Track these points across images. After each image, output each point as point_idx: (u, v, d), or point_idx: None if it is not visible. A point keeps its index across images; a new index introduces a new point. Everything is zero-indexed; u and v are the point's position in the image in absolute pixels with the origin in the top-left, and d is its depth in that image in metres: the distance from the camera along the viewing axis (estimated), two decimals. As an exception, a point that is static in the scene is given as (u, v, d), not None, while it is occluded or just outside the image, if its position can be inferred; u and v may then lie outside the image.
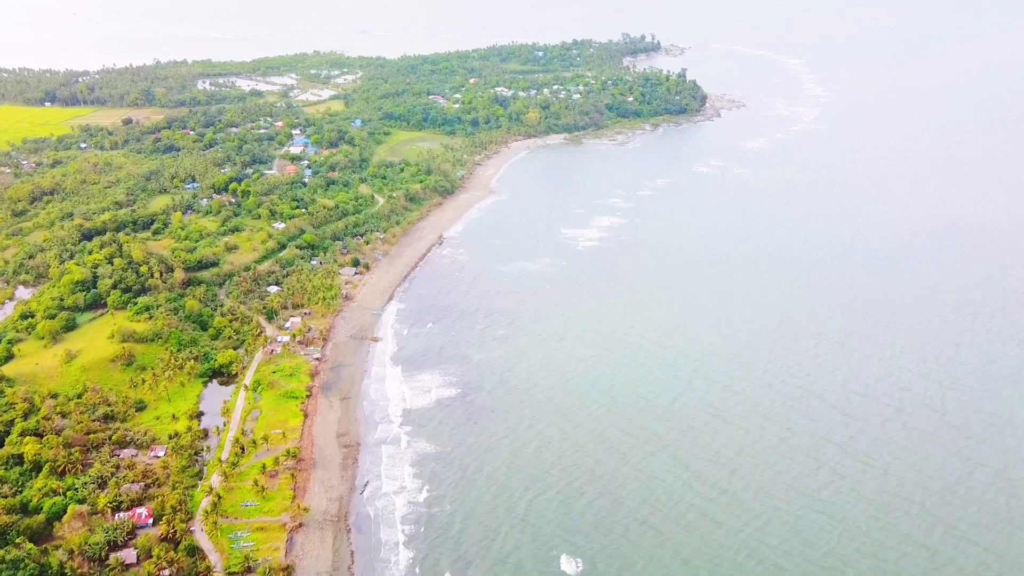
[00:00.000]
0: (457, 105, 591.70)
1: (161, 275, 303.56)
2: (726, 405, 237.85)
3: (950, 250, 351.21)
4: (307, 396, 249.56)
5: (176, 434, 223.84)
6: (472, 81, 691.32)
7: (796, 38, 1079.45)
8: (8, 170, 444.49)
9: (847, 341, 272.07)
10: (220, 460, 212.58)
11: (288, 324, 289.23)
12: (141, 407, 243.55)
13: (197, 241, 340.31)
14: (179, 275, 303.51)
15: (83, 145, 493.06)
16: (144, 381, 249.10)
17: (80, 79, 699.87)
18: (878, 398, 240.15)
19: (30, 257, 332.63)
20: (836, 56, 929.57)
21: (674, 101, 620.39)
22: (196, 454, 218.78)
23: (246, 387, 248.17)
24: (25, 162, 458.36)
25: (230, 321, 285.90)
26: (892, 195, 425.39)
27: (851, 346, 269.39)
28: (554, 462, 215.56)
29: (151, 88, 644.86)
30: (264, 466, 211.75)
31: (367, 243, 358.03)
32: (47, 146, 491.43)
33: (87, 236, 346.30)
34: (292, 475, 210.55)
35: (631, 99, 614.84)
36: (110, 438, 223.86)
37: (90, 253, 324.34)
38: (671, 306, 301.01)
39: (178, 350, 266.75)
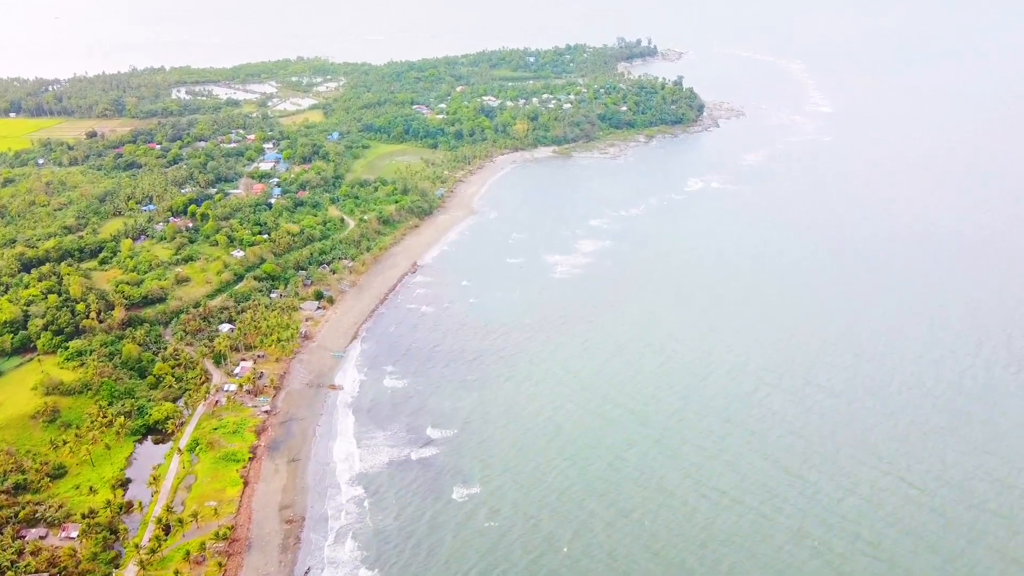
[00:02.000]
0: (441, 116, 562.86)
1: (99, 314, 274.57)
2: (704, 472, 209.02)
3: (965, 274, 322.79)
4: (250, 459, 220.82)
5: (92, 511, 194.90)
6: (459, 89, 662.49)
7: (796, 40, 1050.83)
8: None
9: (854, 401, 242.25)
10: (137, 546, 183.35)
11: (238, 369, 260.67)
12: (60, 473, 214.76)
13: (146, 272, 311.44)
14: (119, 314, 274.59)
15: (40, 161, 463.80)
16: (65, 442, 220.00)
17: (50, 87, 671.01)
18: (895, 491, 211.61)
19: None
20: (837, 59, 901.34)
21: (670, 110, 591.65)
22: (114, 535, 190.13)
23: (180, 451, 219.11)
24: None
25: (172, 367, 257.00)
26: (902, 212, 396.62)
27: (860, 411, 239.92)
28: (524, 541, 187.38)
29: (122, 98, 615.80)
30: (188, 552, 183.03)
31: (334, 272, 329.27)
32: (1, 163, 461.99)
33: (28, 266, 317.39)
34: (220, 563, 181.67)
35: (625, 108, 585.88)
36: (16, 515, 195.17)
37: (26, 287, 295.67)
38: (652, 349, 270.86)
39: (109, 403, 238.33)
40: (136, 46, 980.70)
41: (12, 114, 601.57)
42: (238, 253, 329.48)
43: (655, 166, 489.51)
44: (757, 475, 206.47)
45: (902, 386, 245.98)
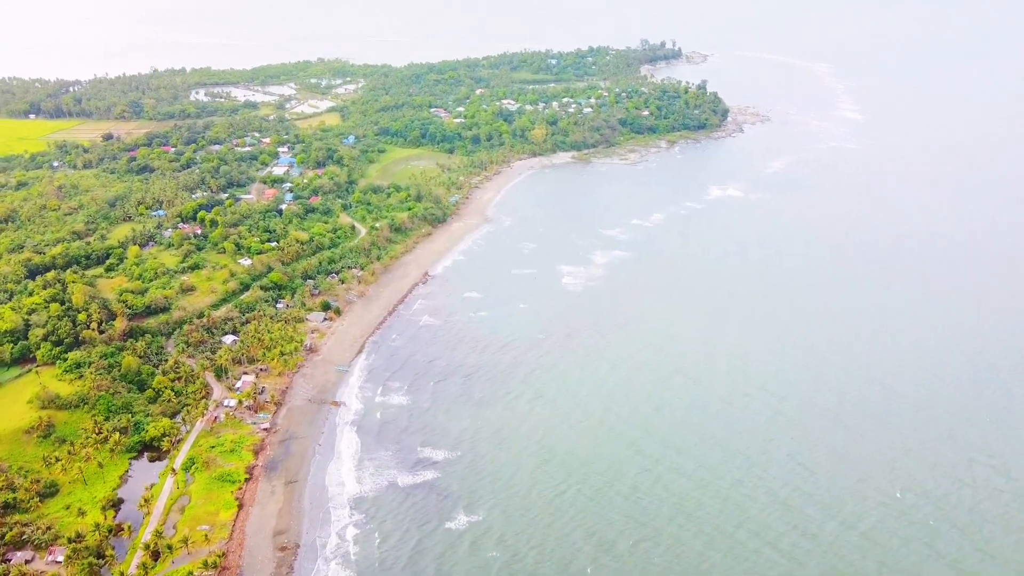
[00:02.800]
0: (459, 120, 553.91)
1: (100, 324, 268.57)
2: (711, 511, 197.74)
3: (1007, 292, 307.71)
4: (246, 479, 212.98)
5: (79, 535, 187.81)
6: (479, 92, 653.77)
7: (823, 42, 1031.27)
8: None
9: (874, 439, 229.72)
10: (123, 574, 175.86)
11: (239, 383, 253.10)
12: (52, 491, 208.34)
13: (151, 280, 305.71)
14: (120, 325, 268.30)
15: (55, 164, 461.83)
16: (58, 459, 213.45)
17: (71, 89, 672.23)
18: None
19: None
20: (866, 61, 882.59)
21: (693, 115, 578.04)
22: (101, 560, 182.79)
23: (174, 471, 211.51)
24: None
25: (172, 380, 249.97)
26: (934, 224, 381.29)
27: (875, 447, 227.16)
28: (529, 573, 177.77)
29: (140, 99, 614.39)
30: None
31: (342, 282, 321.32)
32: (17, 165, 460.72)
33: (34, 273, 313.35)
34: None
35: (646, 113, 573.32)
36: (2, 537, 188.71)
37: (30, 294, 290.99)
38: (661, 371, 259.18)
39: (105, 418, 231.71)
40: (159, 47, 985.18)
41: (32, 115, 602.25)
42: (245, 261, 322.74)
43: (676, 173, 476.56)
44: (759, 518, 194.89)
45: (930, 422, 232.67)
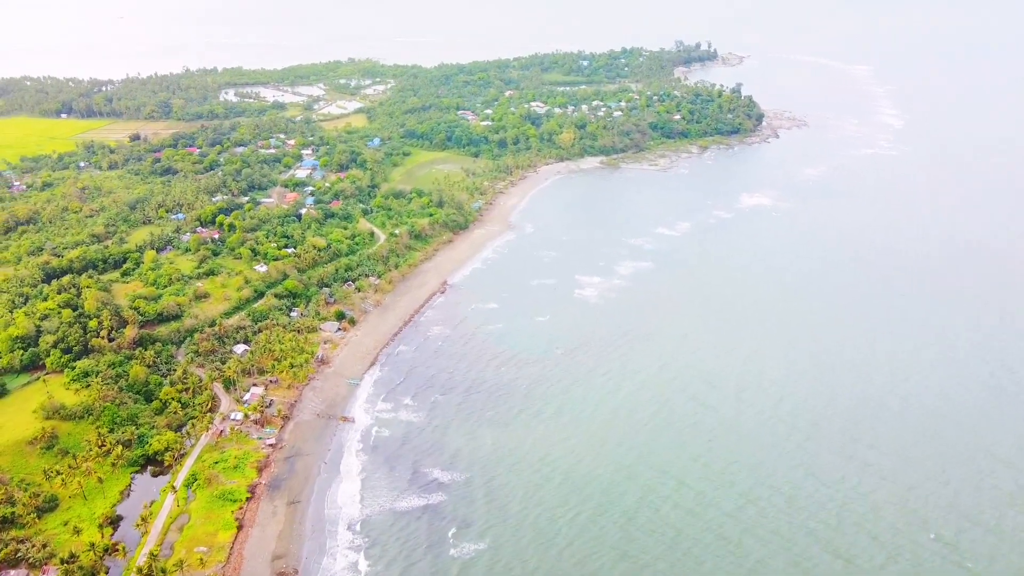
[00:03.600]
0: (487, 123, 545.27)
1: (110, 332, 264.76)
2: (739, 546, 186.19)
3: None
4: (248, 499, 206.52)
5: (72, 556, 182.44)
6: (508, 94, 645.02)
7: (863, 44, 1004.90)
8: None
9: (905, 473, 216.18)
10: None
11: (248, 395, 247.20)
12: (51, 506, 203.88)
13: (166, 286, 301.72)
14: (130, 333, 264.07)
15: (82, 164, 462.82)
16: (59, 473, 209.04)
17: (104, 88, 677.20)
18: None
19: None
20: (907, 63, 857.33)
21: (726, 120, 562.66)
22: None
23: (174, 488, 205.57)
24: (16, 184, 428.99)
25: (180, 391, 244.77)
26: (979, 238, 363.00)
27: (909, 485, 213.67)
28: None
29: (169, 100, 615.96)
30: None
31: (359, 290, 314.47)
32: (45, 165, 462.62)
33: (51, 276, 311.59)
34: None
35: (678, 117, 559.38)
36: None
37: (45, 299, 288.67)
38: (684, 390, 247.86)
39: (110, 430, 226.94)
40: (192, 47, 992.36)
41: (63, 115, 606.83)
42: (261, 268, 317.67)
43: (706, 180, 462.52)
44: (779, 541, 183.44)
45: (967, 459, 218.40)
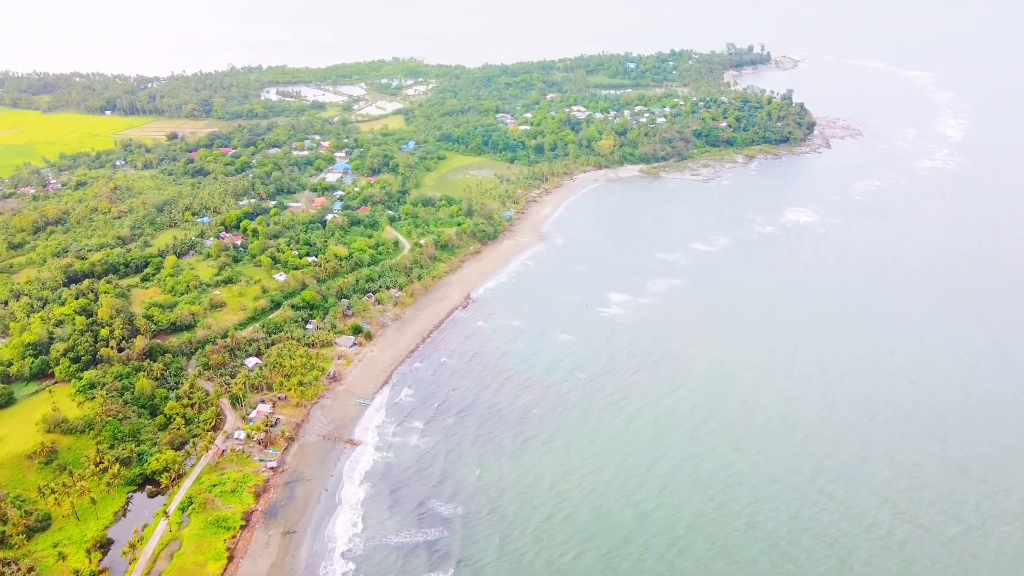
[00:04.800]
0: (526, 127, 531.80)
1: (120, 342, 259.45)
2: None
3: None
4: (242, 526, 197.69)
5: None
6: (550, 97, 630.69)
7: (925, 48, 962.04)
8: (31, 190, 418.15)
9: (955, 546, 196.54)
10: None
11: (254, 413, 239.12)
12: (44, 525, 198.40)
13: (183, 294, 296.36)
14: (140, 343, 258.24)
15: (118, 163, 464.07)
16: (53, 491, 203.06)
17: (150, 85, 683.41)
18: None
19: (4, 303, 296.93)
20: (970, 70, 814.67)
21: (775, 128, 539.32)
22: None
23: (167, 514, 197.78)
24: (53, 182, 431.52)
25: (185, 406, 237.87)
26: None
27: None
28: None
29: (211, 98, 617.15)
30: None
31: (379, 303, 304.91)
32: (82, 163, 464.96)
33: (73, 279, 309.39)
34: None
35: (724, 124, 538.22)
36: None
37: (62, 303, 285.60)
38: (711, 423, 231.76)
39: (110, 446, 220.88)
40: (241, 44, 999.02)
41: (108, 112, 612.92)
42: (280, 276, 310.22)
43: (750, 192, 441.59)
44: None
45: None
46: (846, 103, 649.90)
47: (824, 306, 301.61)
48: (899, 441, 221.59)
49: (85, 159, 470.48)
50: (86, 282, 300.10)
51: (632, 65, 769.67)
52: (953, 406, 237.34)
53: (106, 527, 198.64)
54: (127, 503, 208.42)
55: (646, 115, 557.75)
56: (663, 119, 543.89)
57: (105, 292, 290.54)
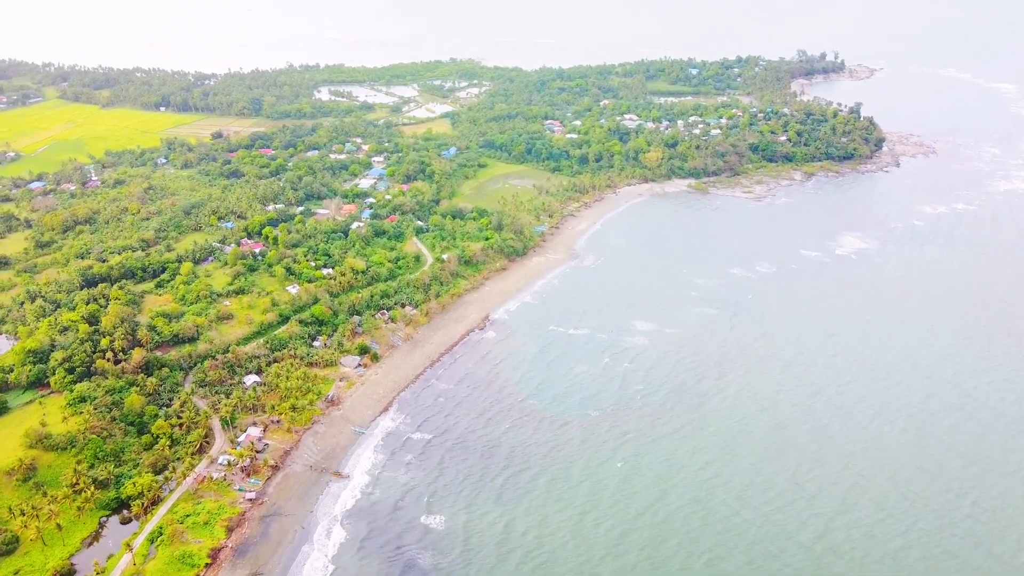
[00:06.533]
0: (572, 135, 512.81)
1: (116, 354, 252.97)
2: None
3: None
4: (207, 564, 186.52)
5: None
6: (603, 103, 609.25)
7: (1013, 58, 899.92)
8: (72, 187, 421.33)
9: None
10: None
11: (243, 437, 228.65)
12: (11, 548, 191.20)
13: (193, 303, 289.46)
14: (138, 356, 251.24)
15: (160, 161, 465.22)
16: (23, 512, 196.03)
17: (207, 82, 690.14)
18: None
19: (21, 304, 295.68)
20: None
21: (839, 143, 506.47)
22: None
23: (130, 547, 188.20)
24: (93, 179, 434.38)
25: (174, 425, 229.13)
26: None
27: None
28: None
29: (261, 97, 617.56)
30: None
31: (392, 320, 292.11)
32: (126, 161, 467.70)
33: (90, 282, 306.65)
34: None
35: (783, 139, 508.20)
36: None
37: (73, 309, 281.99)
38: (723, 477, 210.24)
39: (91, 466, 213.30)
40: (306, 41, 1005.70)
41: (162, 108, 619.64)
42: (293, 289, 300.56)
43: (804, 213, 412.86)
44: None
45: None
46: (922, 117, 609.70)
47: (872, 352, 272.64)
48: (936, 533, 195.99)
49: (129, 156, 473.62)
50: (100, 287, 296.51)
51: (694, 71, 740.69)
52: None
53: (71, 555, 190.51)
54: (99, 529, 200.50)
55: (700, 126, 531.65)
56: (718, 131, 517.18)
57: (116, 299, 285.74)
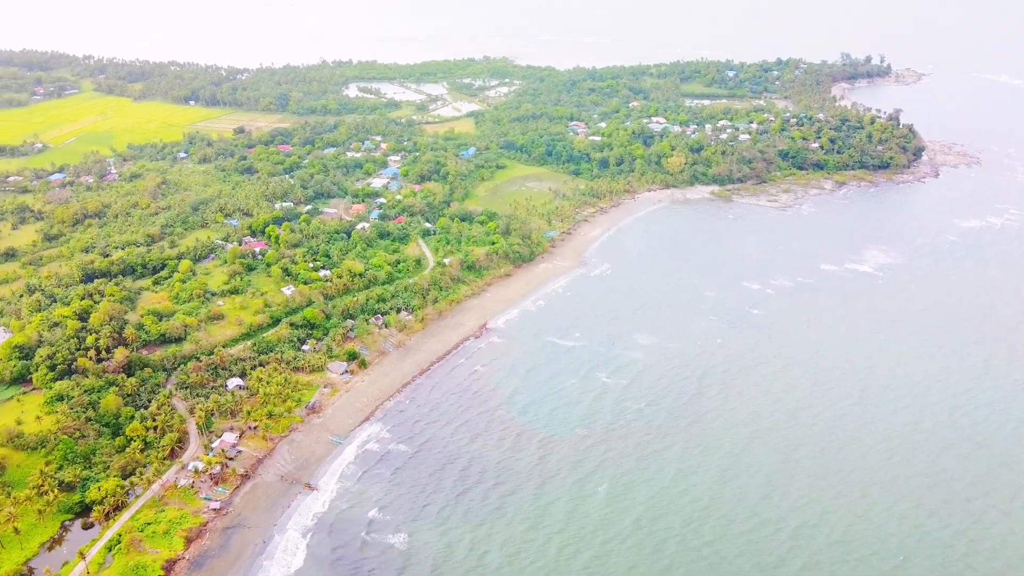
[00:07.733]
0: (595, 138, 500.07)
1: (99, 352, 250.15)
2: None
3: None
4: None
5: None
6: (632, 105, 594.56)
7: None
8: (90, 179, 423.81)
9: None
10: None
11: (217, 442, 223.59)
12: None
13: (186, 302, 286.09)
14: (120, 356, 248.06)
15: (180, 155, 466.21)
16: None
17: (239, 76, 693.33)
18: None
19: (20, 297, 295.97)
20: None
21: (874, 152, 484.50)
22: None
23: (83, 556, 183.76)
24: (112, 172, 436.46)
25: (148, 428, 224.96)
26: None
27: None
28: None
29: (288, 92, 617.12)
30: None
31: (386, 326, 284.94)
32: (146, 154, 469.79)
33: (90, 277, 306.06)
34: None
35: (815, 145, 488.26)
36: None
37: (67, 304, 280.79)
38: (721, 511, 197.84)
39: (59, 467, 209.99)
40: (342, 36, 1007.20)
41: (191, 102, 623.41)
42: (287, 290, 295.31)
43: (831, 224, 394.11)
44: None
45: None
46: (969, 125, 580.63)
47: (870, 371, 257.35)
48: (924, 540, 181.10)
49: (150, 150, 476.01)
50: (97, 282, 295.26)
51: (731, 73, 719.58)
52: None
53: (28, 559, 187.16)
54: (61, 533, 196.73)
55: (728, 130, 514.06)
56: (747, 136, 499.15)
57: (111, 295, 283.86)
